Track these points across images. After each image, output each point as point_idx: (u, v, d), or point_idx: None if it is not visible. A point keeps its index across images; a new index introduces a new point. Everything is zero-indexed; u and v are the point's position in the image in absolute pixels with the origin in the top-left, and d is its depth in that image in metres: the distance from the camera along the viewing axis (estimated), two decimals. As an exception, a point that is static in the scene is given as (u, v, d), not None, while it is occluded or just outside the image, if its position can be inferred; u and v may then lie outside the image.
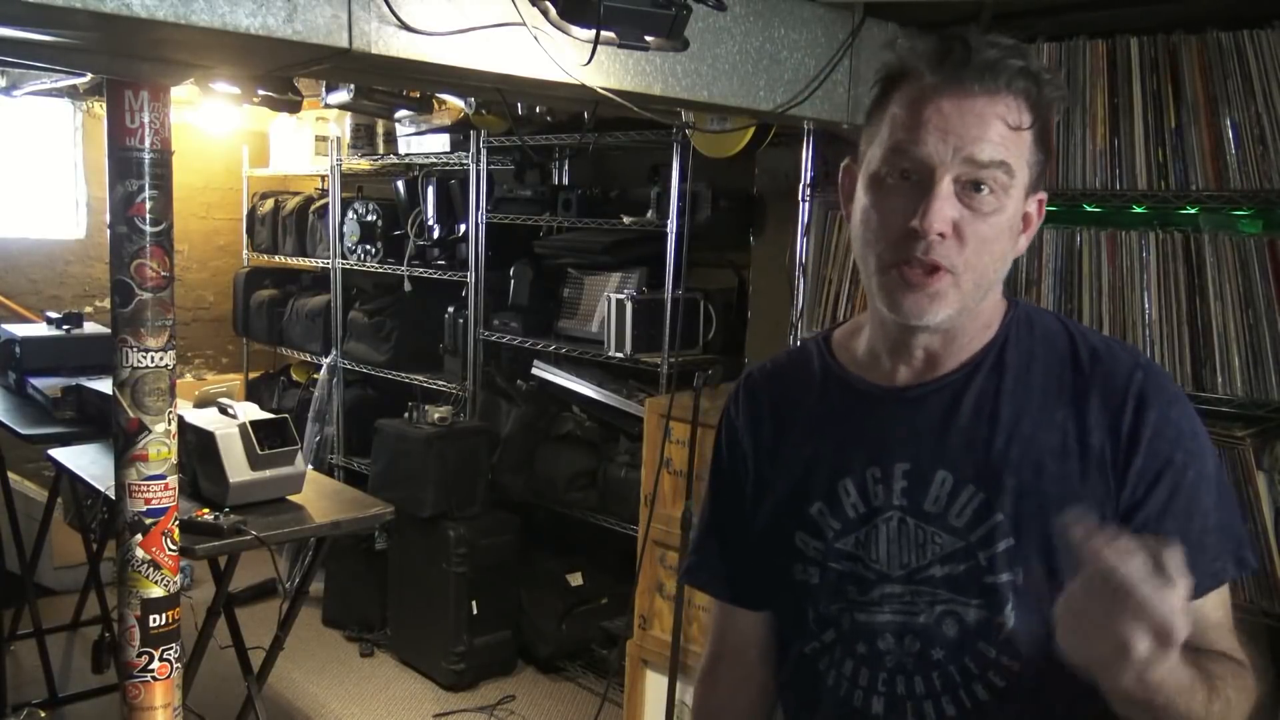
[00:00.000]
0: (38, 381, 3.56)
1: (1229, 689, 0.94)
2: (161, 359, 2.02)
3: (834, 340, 1.21)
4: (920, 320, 1.02)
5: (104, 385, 3.04)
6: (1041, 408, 1.06)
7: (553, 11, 1.66)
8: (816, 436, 1.15)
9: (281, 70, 2.45)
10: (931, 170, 0.99)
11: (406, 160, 4.46)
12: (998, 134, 0.98)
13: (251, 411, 2.85)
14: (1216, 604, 1.04)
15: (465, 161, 4.09)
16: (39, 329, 3.87)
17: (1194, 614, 1.01)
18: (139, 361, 2.00)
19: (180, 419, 2.30)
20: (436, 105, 3.91)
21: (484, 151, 4.03)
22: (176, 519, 2.11)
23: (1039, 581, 1.02)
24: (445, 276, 4.25)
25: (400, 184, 4.37)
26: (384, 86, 3.32)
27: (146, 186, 1.95)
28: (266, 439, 2.72)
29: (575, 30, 1.68)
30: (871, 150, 1.05)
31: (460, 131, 4.08)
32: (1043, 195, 1.07)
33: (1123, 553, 0.80)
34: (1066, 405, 1.05)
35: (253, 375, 5.50)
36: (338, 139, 4.72)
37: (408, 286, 4.57)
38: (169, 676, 2.12)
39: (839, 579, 1.11)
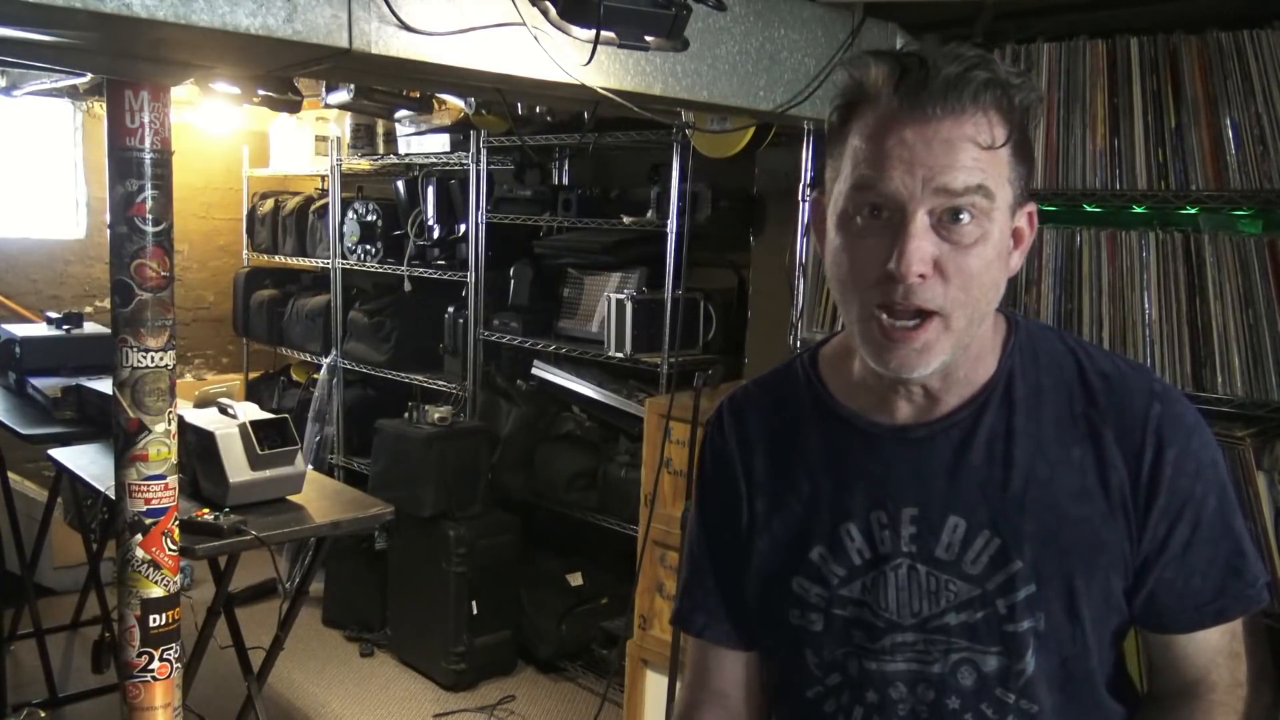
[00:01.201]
0: (38, 381, 3.56)
1: None
2: (161, 359, 2.02)
3: (822, 363, 1.13)
4: (910, 375, 0.97)
5: (104, 385, 3.05)
6: (1056, 444, 1.01)
7: (553, 11, 1.66)
8: (813, 475, 1.08)
9: (281, 70, 2.45)
10: (902, 206, 0.91)
11: (406, 160, 4.46)
12: (970, 157, 0.91)
13: (251, 411, 2.85)
14: (1226, 628, 1.03)
15: (465, 161, 4.09)
16: (39, 329, 3.87)
17: (1193, 646, 1.03)
18: (139, 361, 2.00)
19: (180, 419, 2.30)
20: (436, 105, 3.91)
21: (484, 151, 4.03)
22: (176, 519, 2.11)
23: (1060, 624, 1.01)
24: (445, 276, 4.25)
25: (400, 184, 4.37)
26: (384, 86, 3.32)
27: (146, 186, 1.95)
28: (266, 439, 2.72)
29: (575, 30, 1.68)
30: (836, 186, 0.98)
31: (460, 131, 4.08)
32: (1032, 207, 1.00)
33: None
34: (1082, 441, 1.01)
35: (253, 375, 5.50)
36: (338, 139, 4.72)
37: (408, 286, 4.57)
38: (169, 676, 2.12)
39: (845, 625, 1.06)
